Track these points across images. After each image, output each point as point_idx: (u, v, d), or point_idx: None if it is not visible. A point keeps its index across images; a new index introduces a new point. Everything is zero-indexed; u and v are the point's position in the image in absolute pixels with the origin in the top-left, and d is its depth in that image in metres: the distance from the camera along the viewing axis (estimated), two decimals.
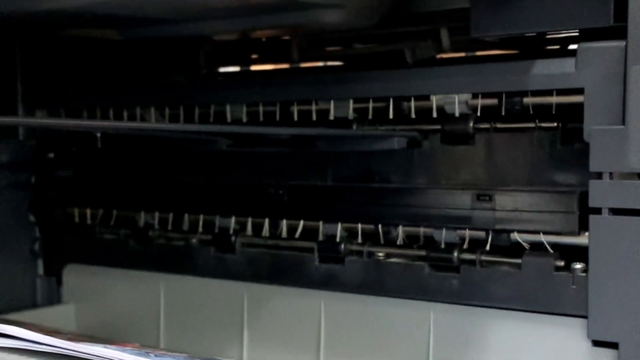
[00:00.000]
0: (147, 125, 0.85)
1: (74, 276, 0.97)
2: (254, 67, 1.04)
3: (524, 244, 0.69)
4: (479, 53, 0.89)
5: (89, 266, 0.96)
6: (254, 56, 1.03)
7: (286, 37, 0.95)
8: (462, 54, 0.89)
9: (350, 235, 0.78)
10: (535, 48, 0.81)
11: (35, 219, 0.98)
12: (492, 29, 0.68)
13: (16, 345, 0.58)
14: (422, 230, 0.74)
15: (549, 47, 0.80)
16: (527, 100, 0.69)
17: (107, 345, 0.60)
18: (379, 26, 0.89)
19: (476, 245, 0.71)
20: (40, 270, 0.99)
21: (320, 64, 1.00)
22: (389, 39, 0.89)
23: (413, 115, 0.75)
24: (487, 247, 0.70)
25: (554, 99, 0.67)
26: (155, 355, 0.60)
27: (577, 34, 0.74)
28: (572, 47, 0.78)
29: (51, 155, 0.98)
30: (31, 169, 0.98)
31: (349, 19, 0.73)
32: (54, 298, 0.98)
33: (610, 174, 0.62)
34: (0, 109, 0.95)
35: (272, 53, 1.00)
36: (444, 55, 0.86)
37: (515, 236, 0.69)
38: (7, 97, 0.96)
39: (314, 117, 0.80)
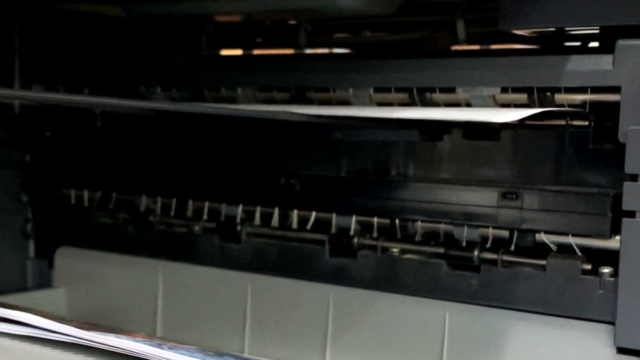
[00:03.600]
0: (145, 104, 0.80)
1: (66, 259, 0.94)
2: (257, 52, 1.00)
3: (551, 245, 0.66)
4: (493, 46, 0.87)
5: (83, 250, 0.92)
6: (258, 40, 1.00)
7: (292, 22, 0.92)
8: (477, 47, 0.86)
9: (364, 229, 0.76)
10: (554, 44, 0.79)
11: (28, 199, 0.95)
12: (524, 22, 0.66)
13: (27, 333, 0.54)
14: (442, 227, 0.71)
15: (568, 44, 0.78)
16: (559, 96, 0.66)
17: (119, 335, 0.57)
18: (391, 15, 0.87)
19: (499, 244, 0.69)
20: (32, 252, 0.96)
21: (326, 50, 0.97)
22: (400, 27, 0.87)
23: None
24: (512, 247, 0.68)
25: (588, 97, 0.65)
26: (169, 348, 0.57)
27: (597, 31, 0.73)
28: (592, 44, 0.77)
29: (48, 133, 0.94)
30: (26, 146, 0.94)
31: (366, 5, 0.71)
32: (44, 281, 0.95)
33: None
34: None
35: (277, 37, 0.97)
36: (459, 47, 0.84)
37: (542, 237, 0.67)
38: (4, 70, 0.91)
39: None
